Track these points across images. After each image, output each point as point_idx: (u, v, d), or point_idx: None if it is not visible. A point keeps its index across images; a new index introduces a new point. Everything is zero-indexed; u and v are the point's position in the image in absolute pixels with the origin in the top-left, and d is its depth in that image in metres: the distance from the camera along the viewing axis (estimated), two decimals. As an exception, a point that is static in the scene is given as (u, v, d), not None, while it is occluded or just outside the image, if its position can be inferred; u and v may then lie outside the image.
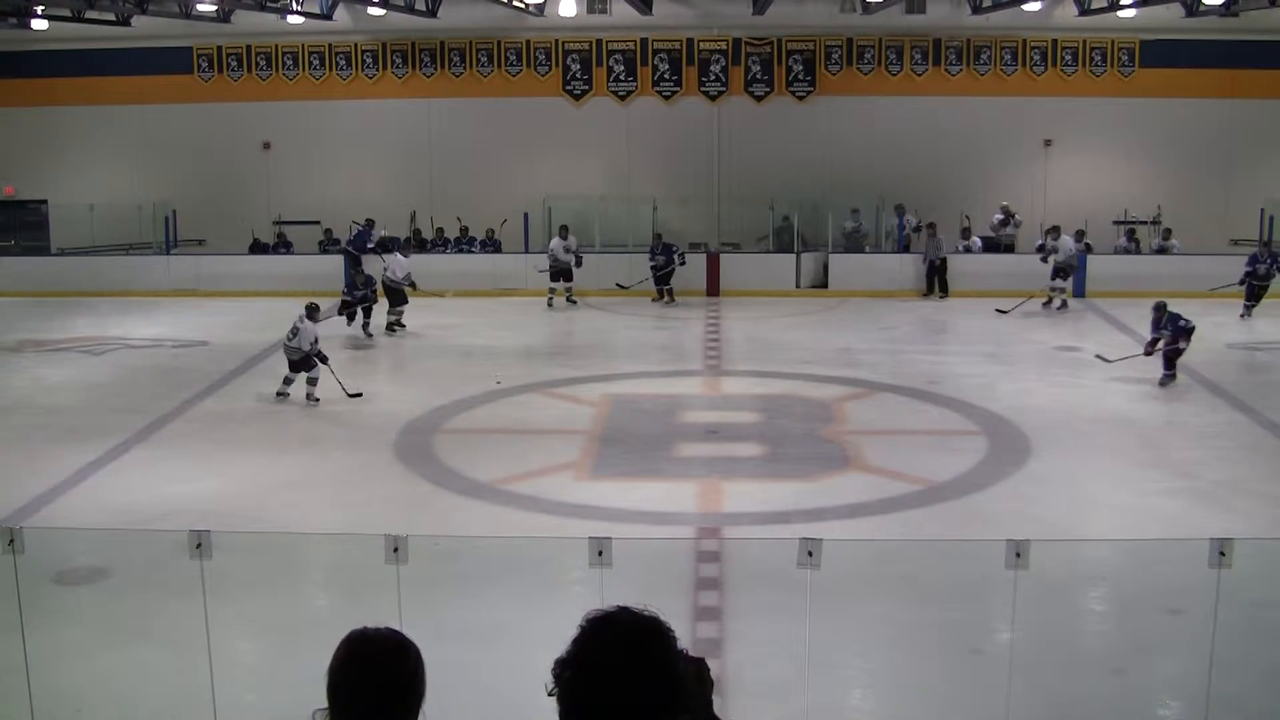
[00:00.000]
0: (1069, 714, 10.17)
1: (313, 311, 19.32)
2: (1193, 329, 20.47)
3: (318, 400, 19.40)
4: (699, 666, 3.41)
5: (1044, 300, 28.01)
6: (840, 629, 11.25)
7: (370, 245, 29.39)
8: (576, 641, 3.12)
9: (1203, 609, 9.37)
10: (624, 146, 33.25)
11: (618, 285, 28.66)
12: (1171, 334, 20.22)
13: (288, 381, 19.60)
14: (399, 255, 26.32)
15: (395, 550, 8.55)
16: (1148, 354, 20.74)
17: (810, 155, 32.17)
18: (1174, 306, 27.18)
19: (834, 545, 8.86)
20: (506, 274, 28.64)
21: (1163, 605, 11.72)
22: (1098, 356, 20.89)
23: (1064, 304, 27.97)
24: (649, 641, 3.12)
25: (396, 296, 25.22)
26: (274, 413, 19.50)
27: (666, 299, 28.50)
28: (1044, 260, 27.87)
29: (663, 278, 28.50)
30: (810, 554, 8.56)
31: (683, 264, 28.48)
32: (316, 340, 19.34)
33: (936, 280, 29.54)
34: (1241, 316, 26.23)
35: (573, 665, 3.09)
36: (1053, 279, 27.92)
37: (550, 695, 3.11)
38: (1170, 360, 20.49)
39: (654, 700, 3.06)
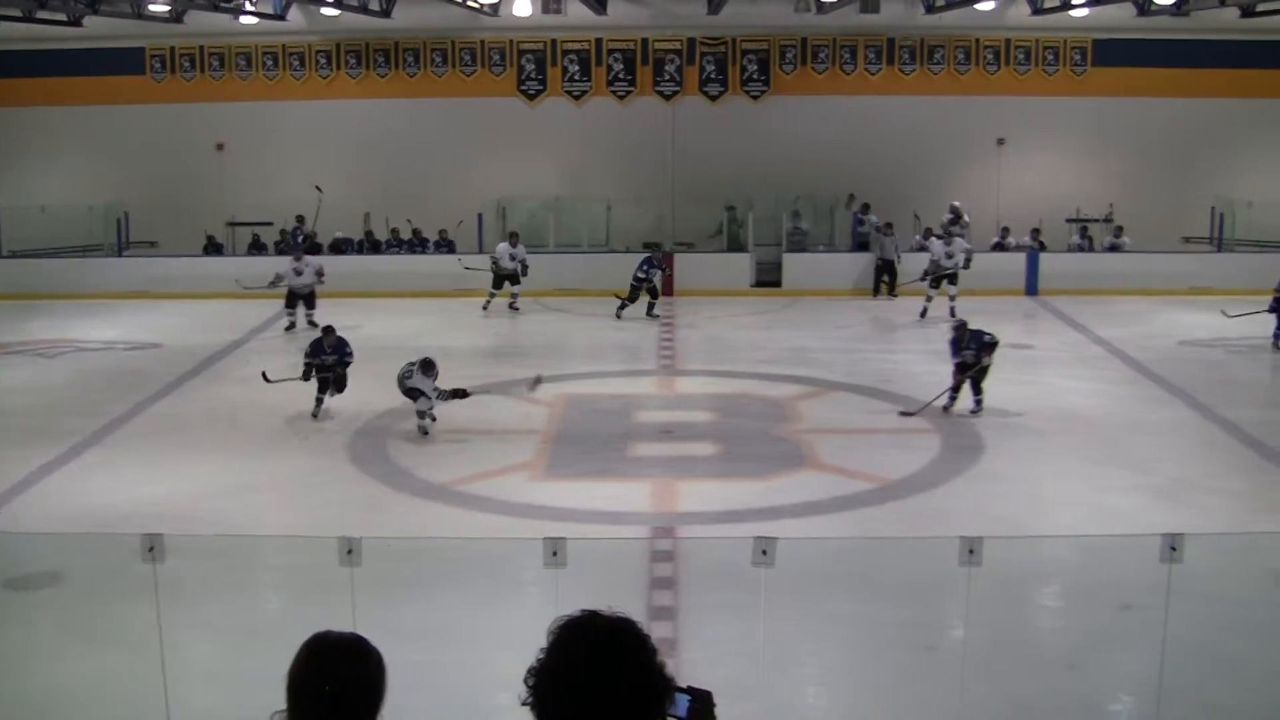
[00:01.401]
0: (1023, 709, 10.23)
1: (427, 367, 18.06)
2: (996, 343, 19.13)
3: (432, 420, 18.16)
4: (704, 699, 3.39)
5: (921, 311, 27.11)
6: (796, 627, 11.29)
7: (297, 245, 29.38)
8: (552, 648, 3.09)
9: (1155, 604, 9.44)
10: (578, 146, 33.23)
11: (619, 298, 27.29)
12: (976, 351, 19.03)
13: (421, 415, 18.15)
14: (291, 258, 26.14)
15: (349, 552, 8.54)
16: (959, 381, 19.11)
17: (765, 155, 32.17)
18: (1126, 304, 27.68)
19: (788, 544, 8.89)
20: (459, 274, 28.47)
21: (1116, 600, 11.80)
22: (902, 412, 19.26)
23: (924, 312, 26.81)
24: (627, 644, 3.11)
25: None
26: (227, 415, 19.40)
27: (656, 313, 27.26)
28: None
29: (654, 290, 27.37)
30: (764, 552, 8.59)
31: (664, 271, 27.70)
32: (436, 390, 18.07)
33: (885, 280, 29.54)
34: (1276, 348, 23.67)
35: (550, 673, 3.07)
36: (921, 279, 27.40)
37: (524, 705, 3.09)
38: (977, 383, 19.08)
39: (637, 702, 3.06)
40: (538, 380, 18.98)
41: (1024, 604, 12.36)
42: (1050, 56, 33.16)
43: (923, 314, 26.61)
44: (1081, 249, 31.36)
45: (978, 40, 33.01)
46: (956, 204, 30.66)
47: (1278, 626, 12.14)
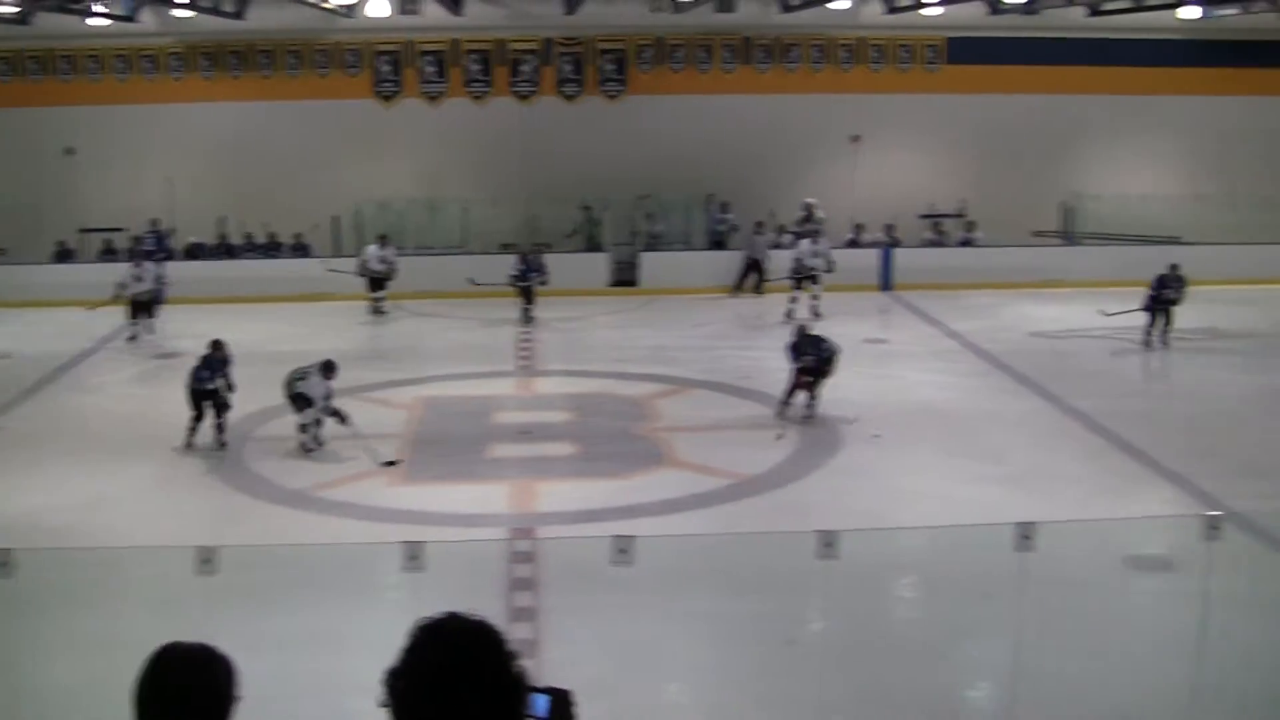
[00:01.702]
0: (883, 699, 10.38)
1: (328, 369, 17.47)
2: (835, 354, 18.79)
3: (317, 444, 17.43)
4: (563, 699, 3.40)
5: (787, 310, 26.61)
6: (657, 624, 11.39)
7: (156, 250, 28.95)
8: (408, 650, 3.09)
9: (1010, 592, 9.64)
10: (435, 148, 32.97)
11: (471, 282, 27.65)
12: (816, 358, 18.66)
13: (304, 428, 17.39)
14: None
15: (207, 562, 8.47)
16: (797, 386, 18.69)
17: (622, 154, 32.14)
18: (979, 298, 28.10)
19: (647, 542, 8.95)
20: (317, 278, 28.24)
21: (972, 590, 11.99)
22: (778, 436, 18.06)
23: (789, 313, 26.07)
24: (483, 646, 3.11)
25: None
26: (80, 425, 19.07)
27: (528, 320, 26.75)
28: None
29: (528, 292, 26.88)
30: (623, 551, 8.64)
31: (545, 282, 27.24)
32: (328, 397, 17.33)
33: (755, 278, 29.62)
34: (1148, 345, 23.66)
35: (406, 675, 3.06)
36: (789, 277, 27.24)
37: (382, 707, 3.08)
38: (813, 390, 18.74)
39: (491, 706, 3.06)
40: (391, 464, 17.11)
41: (882, 596, 12.55)
42: (904, 54, 33.56)
43: (788, 314, 26.15)
44: (934, 244, 31.80)
45: (832, 39, 33.32)
46: (810, 201, 30.89)
47: (1129, 610, 12.51)
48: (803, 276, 26.92)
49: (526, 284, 26.87)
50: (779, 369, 20.45)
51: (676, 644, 11.50)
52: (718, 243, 31.21)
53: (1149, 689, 10.34)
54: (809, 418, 18.65)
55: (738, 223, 30.97)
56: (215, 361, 17.68)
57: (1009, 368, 21.94)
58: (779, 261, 28.52)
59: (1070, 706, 10.13)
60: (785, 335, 19.96)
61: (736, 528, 13.85)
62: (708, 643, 11.56)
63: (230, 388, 17.68)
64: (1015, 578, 9.29)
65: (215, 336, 18.17)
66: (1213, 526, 9.51)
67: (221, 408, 17.59)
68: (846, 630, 11.11)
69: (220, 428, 17.58)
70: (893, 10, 31.41)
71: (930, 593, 13.07)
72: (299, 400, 17.28)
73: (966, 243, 31.49)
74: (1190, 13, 30.12)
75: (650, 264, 30.41)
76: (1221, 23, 32.19)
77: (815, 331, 19.37)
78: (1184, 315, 23.70)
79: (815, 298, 26.58)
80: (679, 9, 31.73)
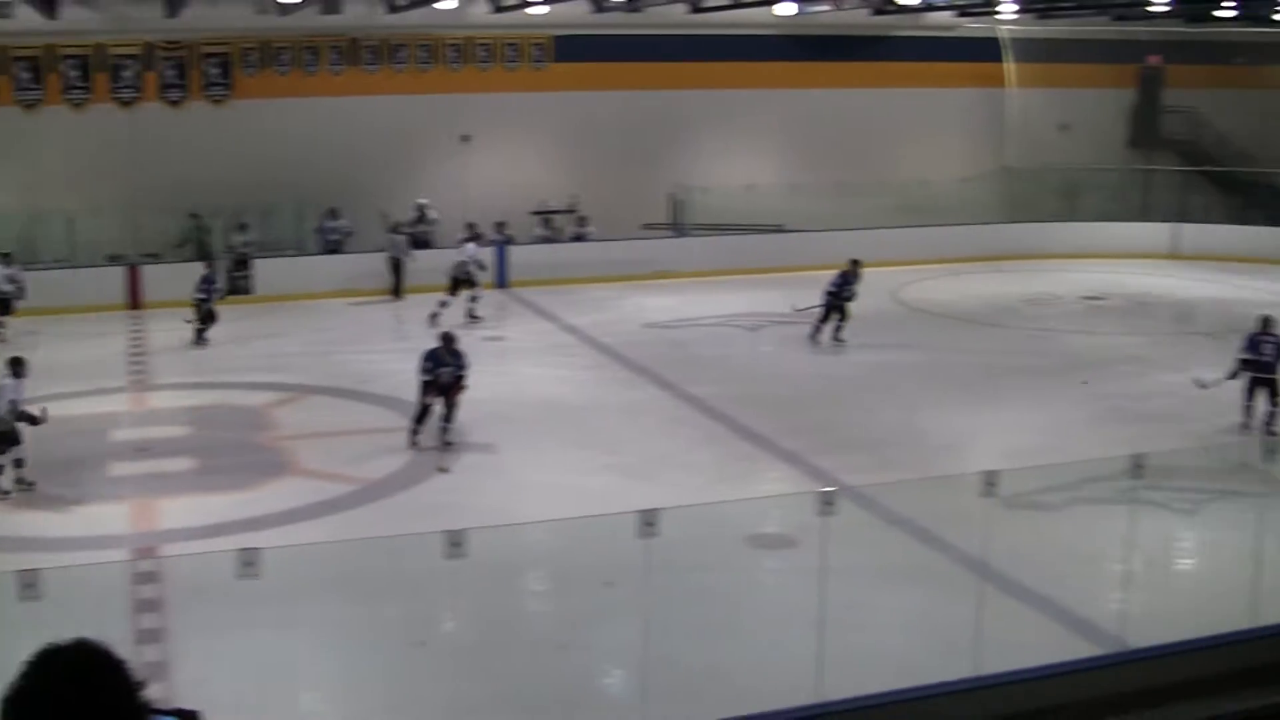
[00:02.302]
0: (517, 694, 10.53)
1: (17, 365, 15.89)
2: (465, 373, 17.95)
3: (32, 484, 15.79)
4: (191, 718, 3.35)
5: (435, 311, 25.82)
6: (288, 636, 11.31)
7: None
8: (21, 678, 2.98)
9: (635, 579, 9.86)
10: (34, 157, 31.64)
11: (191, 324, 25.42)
12: (455, 371, 17.77)
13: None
14: None
15: None
16: (428, 403, 17.71)
17: (232, 159, 31.45)
18: (593, 291, 28.59)
19: (273, 553, 8.86)
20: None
21: (599, 579, 12.24)
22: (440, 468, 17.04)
23: (433, 316, 25.21)
24: (99, 672, 3.03)
25: None
26: None
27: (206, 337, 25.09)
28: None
29: (210, 313, 25.16)
30: (249, 564, 8.53)
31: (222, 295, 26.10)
32: (15, 403, 15.60)
33: (396, 278, 29.25)
34: (814, 340, 23.73)
35: (18, 703, 2.96)
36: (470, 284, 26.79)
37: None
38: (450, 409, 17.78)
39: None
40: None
41: (511, 591, 12.73)
42: (511, 53, 33.83)
43: (432, 317, 25.26)
44: (547, 240, 32.15)
45: (440, 38, 33.35)
46: (422, 201, 30.92)
47: (753, 588, 13.02)
48: (459, 280, 26.54)
49: (209, 302, 25.21)
50: (399, 372, 20.21)
51: (309, 654, 11.45)
52: (331, 249, 30.83)
53: (776, 662, 10.73)
54: (449, 444, 17.59)
55: (352, 227, 30.68)
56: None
57: (626, 359, 22.40)
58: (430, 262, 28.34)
59: (701, 686, 10.46)
60: (403, 335, 19.88)
61: (363, 533, 13.78)
62: (340, 651, 11.55)
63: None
64: (640, 564, 9.50)
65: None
66: (826, 502, 9.91)
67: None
68: (477, 628, 11.24)
69: None
70: (499, 9, 31.60)
71: (558, 585, 13.31)
72: (11, 435, 15.66)
73: (579, 238, 31.98)
74: (786, 9, 31.29)
75: (265, 271, 29.81)
76: (814, 19, 33.61)
77: (458, 345, 18.18)
78: (789, 302, 24.55)
79: (474, 299, 26.37)
80: (284, 11, 31.24)
